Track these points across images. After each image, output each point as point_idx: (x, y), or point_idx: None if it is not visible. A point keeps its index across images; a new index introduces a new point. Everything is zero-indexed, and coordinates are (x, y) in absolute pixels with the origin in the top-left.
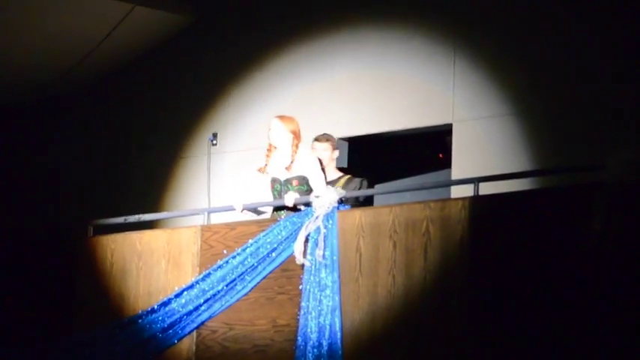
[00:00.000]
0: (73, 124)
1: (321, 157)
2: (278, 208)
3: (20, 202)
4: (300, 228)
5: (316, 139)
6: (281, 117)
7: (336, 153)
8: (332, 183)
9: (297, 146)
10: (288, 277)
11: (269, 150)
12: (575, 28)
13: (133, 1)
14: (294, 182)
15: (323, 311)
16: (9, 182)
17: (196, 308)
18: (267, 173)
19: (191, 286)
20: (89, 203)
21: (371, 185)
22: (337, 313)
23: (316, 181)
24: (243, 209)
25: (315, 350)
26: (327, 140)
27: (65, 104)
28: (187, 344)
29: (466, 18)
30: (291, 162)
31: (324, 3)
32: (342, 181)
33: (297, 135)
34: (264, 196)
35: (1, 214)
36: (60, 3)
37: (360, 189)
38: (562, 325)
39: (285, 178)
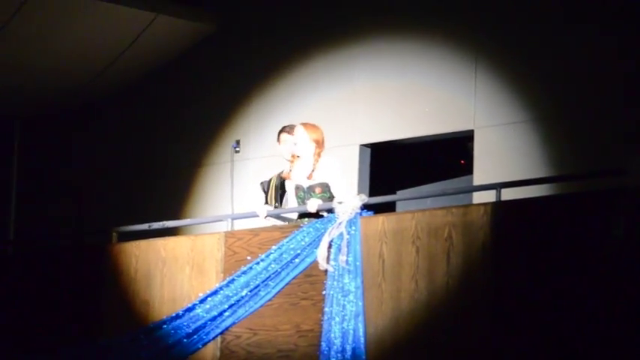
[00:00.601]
0: (98, 132)
1: (286, 149)
2: (301, 215)
3: (45, 210)
4: (323, 234)
5: (286, 131)
6: (305, 125)
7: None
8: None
9: (319, 154)
10: (312, 282)
11: (293, 157)
12: (593, 35)
13: (156, 9)
14: (317, 189)
15: (346, 316)
16: (34, 190)
17: (220, 314)
18: (292, 179)
19: (215, 292)
20: (114, 210)
21: (393, 191)
22: (360, 318)
23: (338, 188)
24: (266, 216)
25: (339, 355)
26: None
27: (89, 112)
28: (212, 350)
29: (487, 27)
30: (313, 170)
31: (347, 12)
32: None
33: (319, 144)
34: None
35: (26, 221)
36: (84, 12)
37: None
38: (584, 330)
39: (307, 186)
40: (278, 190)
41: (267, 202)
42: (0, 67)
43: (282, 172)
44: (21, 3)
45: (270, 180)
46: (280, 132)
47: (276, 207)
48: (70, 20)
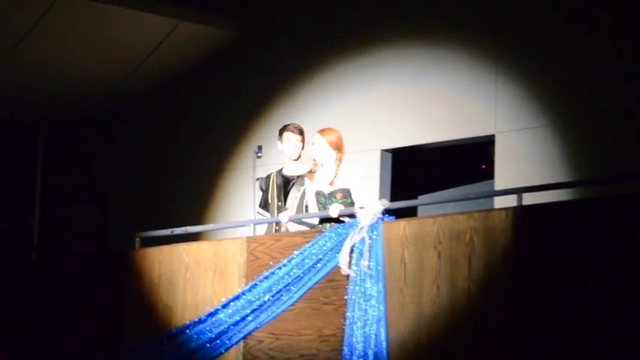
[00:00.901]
0: (121, 137)
1: (294, 150)
2: (323, 220)
3: (69, 215)
4: (345, 239)
5: (289, 130)
6: (322, 131)
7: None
8: (294, 179)
9: (340, 160)
10: (334, 287)
11: (314, 162)
12: (613, 40)
13: (178, 16)
14: (338, 195)
15: (368, 321)
16: (58, 195)
17: (243, 319)
18: (314, 184)
19: (237, 297)
20: (137, 215)
21: (415, 196)
22: (382, 322)
23: (360, 193)
24: (288, 221)
25: None
26: (300, 132)
27: (113, 117)
28: (234, 354)
29: (508, 33)
30: (335, 176)
31: (368, 18)
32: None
33: (339, 148)
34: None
35: (50, 227)
36: (108, 19)
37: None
38: (606, 335)
39: (328, 192)
40: (281, 189)
41: (265, 204)
42: (25, 72)
43: (281, 169)
44: (45, 10)
45: (268, 178)
46: (282, 131)
47: (279, 206)
48: (94, 27)
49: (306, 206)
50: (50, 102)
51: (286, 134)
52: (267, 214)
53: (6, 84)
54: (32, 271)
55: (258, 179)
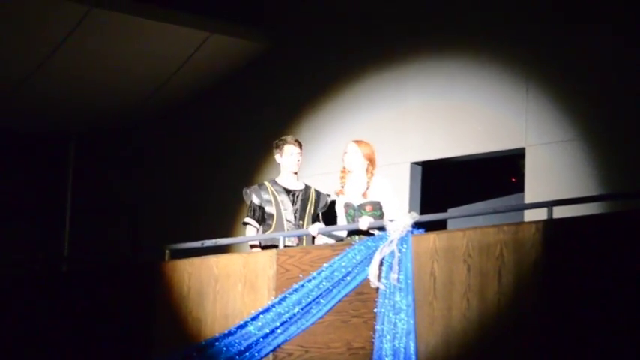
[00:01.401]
0: (151, 149)
1: (295, 163)
2: (352, 233)
3: (99, 227)
4: (374, 252)
5: (290, 143)
6: (358, 142)
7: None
8: (297, 193)
9: (372, 172)
10: (363, 300)
11: (343, 172)
12: None
13: (209, 29)
14: (368, 208)
15: (398, 334)
16: (89, 207)
17: (272, 331)
18: (345, 194)
19: (267, 310)
20: (166, 227)
21: (444, 209)
22: (412, 336)
23: (391, 206)
24: (318, 233)
25: None
26: (300, 145)
27: (143, 129)
28: None
29: (538, 46)
30: (367, 188)
31: (397, 31)
32: (313, 192)
33: (372, 161)
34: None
35: (81, 238)
36: (139, 31)
37: (321, 202)
38: (636, 350)
39: (358, 204)
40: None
41: (262, 215)
42: (56, 84)
43: (273, 180)
44: (77, 23)
45: (262, 188)
46: (282, 144)
47: (299, 226)
48: (125, 40)
49: (317, 218)
50: (82, 114)
51: (288, 147)
52: (258, 226)
53: (39, 95)
54: (63, 283)
55: (248, 190)
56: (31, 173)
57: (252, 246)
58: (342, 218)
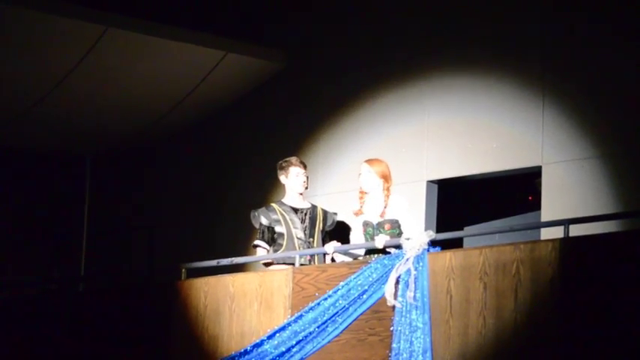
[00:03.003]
0: (166, 169)
1: (302, 184)
2: (370, 251)
3: (116, 246)
4: (390, 270)
5: (293, 164)
6: (370, 161)
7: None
8: (305, 211)
9: (388, 189)
10: (379, 318)
11: (361, 193)
12: None
13: (225, 48)
14: (387, 226)
15: (414, 352)
16: (105, 226)
17: (288, 350)
18: (363, 214)
19: (283, 328)
20: (182, 246)
21: (461, 228)
22: (428, 354)
23: (408, 224)
24: (334, 252)
25: None
26: (304, 165)
27: (159, 149)
28: None
29: (554, 63)
30: (385, 207)
31: (413, 49)
32: (320, 210)
33: (387, 178)
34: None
35: (97, 258)
36: (155, 51)
37: (329, 220)
38: None
39: (377, 222)
40: (317, 226)
41: (271, 237)
42: (73, 104)
43: (280, 201)
44: (94, 43)
45: (270, 210)
46: (287, 165)
47: (309, 242)
48: (141, 59)
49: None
50: (98, 133)
51: (293, 169)
52: (268, 247)
53: (55, 115)
54: (79, 303)
55: (256, 212)
56: (47, 193)
57: (266, 264)
58: (359, 236)
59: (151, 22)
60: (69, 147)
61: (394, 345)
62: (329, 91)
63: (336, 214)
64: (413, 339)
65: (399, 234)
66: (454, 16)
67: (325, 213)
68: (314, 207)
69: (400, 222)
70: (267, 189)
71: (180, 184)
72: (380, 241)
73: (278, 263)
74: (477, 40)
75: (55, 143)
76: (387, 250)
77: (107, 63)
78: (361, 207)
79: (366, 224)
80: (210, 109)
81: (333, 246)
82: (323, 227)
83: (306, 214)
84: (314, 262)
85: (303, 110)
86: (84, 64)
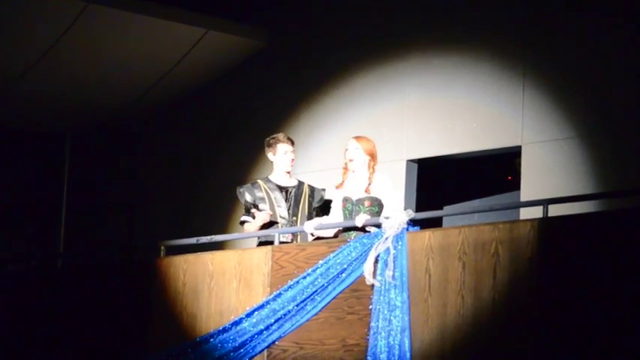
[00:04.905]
0: (146, 147)
1: (288, 160)
2: (348, 229)
3: (94, 224)
4: (369, 249)
5: (282, 141)
6: (358, 138)
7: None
8: (290, 189)
9: (373, 168)
10: (358, 297)
11: (345, 169)
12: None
13: (206, 25)
14: (366, 203)
15: (392, 331)
16: (84, 204)
17: (267, 328)
18: (344, 188)
19: (262, 306)
20: (163, 224)
21: (440, 207)
22: (407, 333)
23: (391, 203)
24: (315, 229)
25: None
26: (292, 142)
27: (139, 127)
28: None
29: (535, 43)
30: (369, 184)
31: (394, 28)
32: (306, 187)
33: (373, 156)
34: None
35: (76, 235)
36: (135, 28)
37: (316, 196)
38: (632, 347)
39: (357, 198)
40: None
41: (254, 217)
42: (52, 81)
43: (266, 177)
44: (73, 20)
45: (255, 186)
46: (275, 142)
47: (293, 222)
48: (121, 37)
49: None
50: (77, 111)
51: (281, 146)
52: (252, 219)
53: (34, 92)
54: (58, 279)
55: (241, 189)
56: (26, 170)
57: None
58: (338, 212)
59: None
60: (48, 124)
61: (373, 324)
62: (310, 70)
63: (324, 190)
64: (392, 318)
65: (378, 212)
66: None
67: (312, 190)
68: (300, 184)
69: (385, 200)
70: (247, 167)
71: (160, 161)
72: (360, 220)
73: (261, 242)
74: (458, 20)
75: (34, 120)
76: (367, 228)
77: (86, 40)
78: (343, 181)
79: (345, 200)
80: (190, 87)
81: (312, 225)
82: (309, 205)
83: (290, 193)
84: (297, 241)
85: (284, 88)
86: (63, 42)
